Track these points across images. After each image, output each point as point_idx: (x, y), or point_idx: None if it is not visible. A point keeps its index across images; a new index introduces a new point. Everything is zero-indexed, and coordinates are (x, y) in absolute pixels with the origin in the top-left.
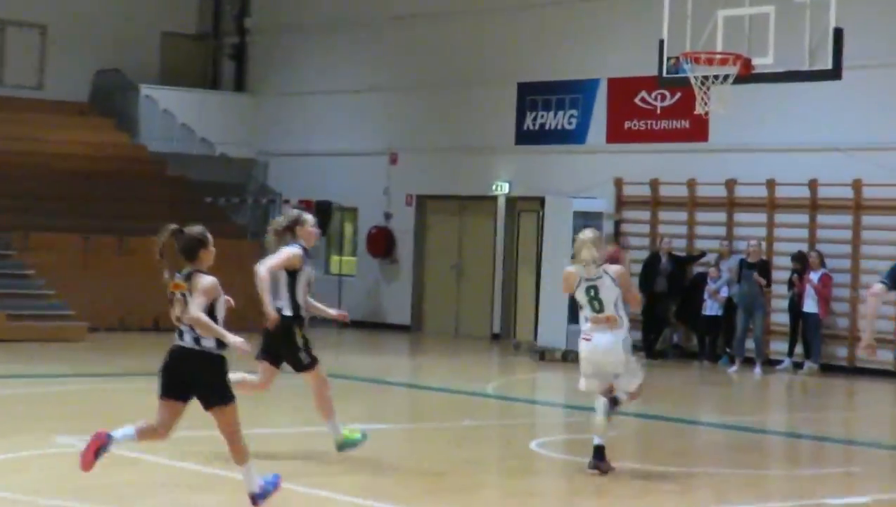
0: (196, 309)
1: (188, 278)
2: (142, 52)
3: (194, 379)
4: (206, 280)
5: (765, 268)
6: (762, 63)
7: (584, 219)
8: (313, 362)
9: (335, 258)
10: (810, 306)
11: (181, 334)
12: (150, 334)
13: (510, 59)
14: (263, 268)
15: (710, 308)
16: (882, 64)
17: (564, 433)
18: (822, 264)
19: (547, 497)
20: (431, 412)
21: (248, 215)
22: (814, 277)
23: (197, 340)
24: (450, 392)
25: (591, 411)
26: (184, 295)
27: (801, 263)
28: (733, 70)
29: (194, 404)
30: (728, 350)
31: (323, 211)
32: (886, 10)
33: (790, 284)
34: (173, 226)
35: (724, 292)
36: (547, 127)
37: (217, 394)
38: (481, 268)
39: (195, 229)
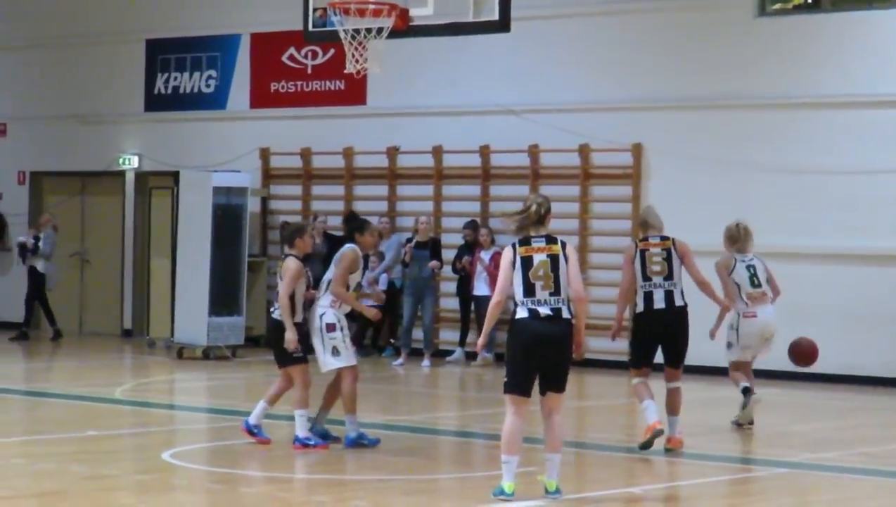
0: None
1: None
2: None
3: None
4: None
5: (436, 248)
6: (421, 14)
7: (227, 196)
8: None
9: None
10: (482, 288)
11: None
12: None
13: (137, 12)
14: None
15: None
16: (556, 15)
17: (204, 441)
18: (493, 242)
19: None
20: (49, 423)
21: None
22: (485, 256)
23: None
24: (72, 399)
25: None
26: None
27: (475, 232)
28: (388, 22)
29: None
30: (392, 341)
31: None
32: None
33: (455, 264)
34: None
35: (383, 283)
36: (181, 90)
37: None
38: (108, 255)
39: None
